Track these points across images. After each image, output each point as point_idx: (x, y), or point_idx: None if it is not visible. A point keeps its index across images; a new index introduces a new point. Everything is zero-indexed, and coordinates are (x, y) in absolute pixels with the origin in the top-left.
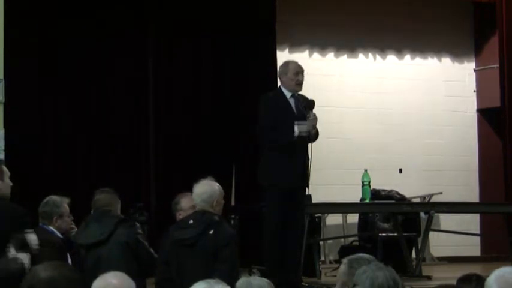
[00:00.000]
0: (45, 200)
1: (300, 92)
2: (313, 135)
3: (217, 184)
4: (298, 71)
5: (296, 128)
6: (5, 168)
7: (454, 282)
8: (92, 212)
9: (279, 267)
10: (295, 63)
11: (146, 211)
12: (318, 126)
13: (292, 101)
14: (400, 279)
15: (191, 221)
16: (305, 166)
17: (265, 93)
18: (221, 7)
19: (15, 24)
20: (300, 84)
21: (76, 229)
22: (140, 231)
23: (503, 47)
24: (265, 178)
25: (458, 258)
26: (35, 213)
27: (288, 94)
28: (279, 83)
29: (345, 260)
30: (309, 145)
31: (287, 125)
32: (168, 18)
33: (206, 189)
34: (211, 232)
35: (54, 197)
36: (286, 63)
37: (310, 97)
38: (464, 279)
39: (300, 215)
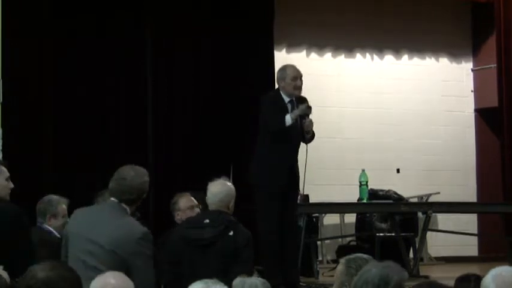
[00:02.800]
0: (43, 198)
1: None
2: (308, 138)
3: (231, 184)
4: (297, 76)
5: (288, 117)
6: (3, 168)
7: (452, 282)
8: None
9: (277, 268)
10: (293, 68)
11: (139, 211)
12: (315, 125)
13: (289, 106)
14: (395, 280)
15: (207, 220)
16: (295, 166)
17: (263, 93)
18: (220, 7)
19: (14, 24)
20: (298, 89)
21: None
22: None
23: (501, 47)
24: (257, 178)
25: (456, 258)
26: (33, 213)
27: (286, 99)
28: (277, 86)
29: (342, 260)
30: (305, 145)
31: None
32: (166, 17)
33: (223, 188)
34: (231, 233)
35: (52, 196)
36: (284, 68)
37: (307, 97)
38: (463, 279)
39: (292, 215)
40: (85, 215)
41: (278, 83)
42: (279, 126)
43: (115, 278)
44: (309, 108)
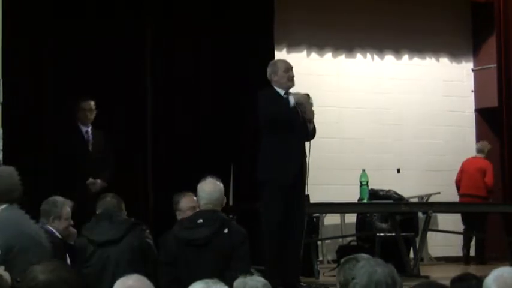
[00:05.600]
0: (47, 199)
1: (297, 92)
2: (311, 131)
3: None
4: (288, 67)
5: (291, 98)
6: None
7: None
8: (97, 212)
9: (277, 268)
10: (284, 61)
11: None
12: (315, 126)
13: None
14: (400, 278)
15: (200, 220)
16: (303, 163)
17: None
18: (220, 7)
19: (14, 23)
20: (291, 79)
21: (75, 231)
22: (150, 236)
23: (501, 47)
24: (264, 173)
25: (456, 258)
26: (31, 213)
27: (281, 92)
28: None
29: (343, 260)
30: (307, 144)
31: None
32: (166, 17)
33: (215, 188)
34: (225, 231)
35: (57, 197)
36: (274, 62)
37: None
38: (459, 279)
39: (299, 214)
40: None
41: (270, 78)
42: (283, 108)
43: (136, 281)
44: (307, 96)
